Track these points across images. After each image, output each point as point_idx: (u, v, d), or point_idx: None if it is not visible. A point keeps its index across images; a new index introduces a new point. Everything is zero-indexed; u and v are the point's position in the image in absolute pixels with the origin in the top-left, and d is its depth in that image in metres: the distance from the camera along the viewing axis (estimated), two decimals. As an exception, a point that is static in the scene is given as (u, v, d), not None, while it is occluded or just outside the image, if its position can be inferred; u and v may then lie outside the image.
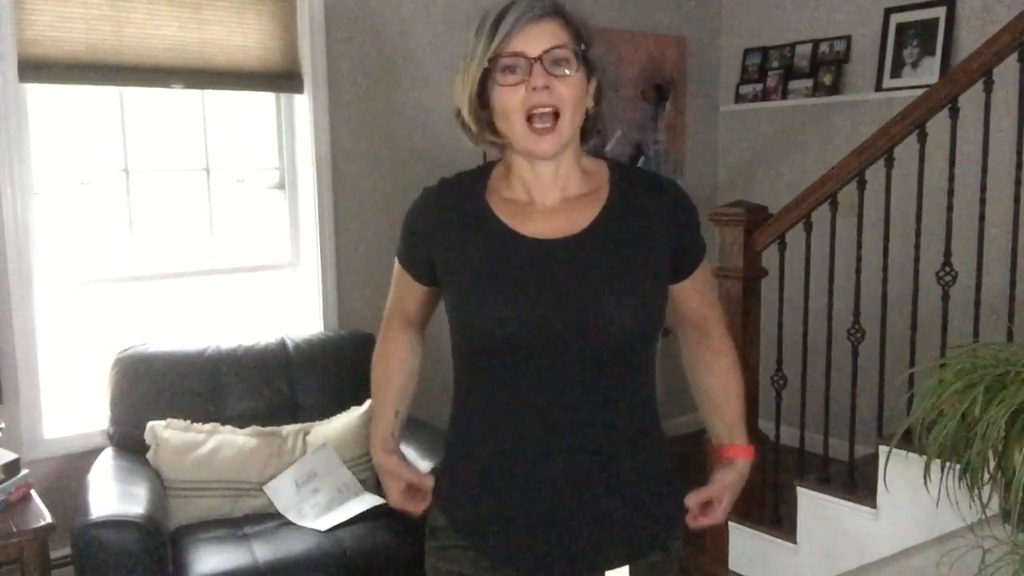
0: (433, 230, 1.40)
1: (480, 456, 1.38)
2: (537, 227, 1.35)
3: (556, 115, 1.29)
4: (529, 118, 1.29)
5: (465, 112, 1.35)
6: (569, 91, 1.29)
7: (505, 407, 1.34)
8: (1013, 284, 2.54)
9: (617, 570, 1.36)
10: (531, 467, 1.33)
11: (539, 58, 1.27)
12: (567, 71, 1.28)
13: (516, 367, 1.32)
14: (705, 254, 1.47)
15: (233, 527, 2.57)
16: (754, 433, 3.14)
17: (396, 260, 1.51)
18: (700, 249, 1.45)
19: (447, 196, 1.42)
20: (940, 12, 3.71)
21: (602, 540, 1.35)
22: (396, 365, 1.53)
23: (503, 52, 1.27)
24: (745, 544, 3.11)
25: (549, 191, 1.37)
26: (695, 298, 1.47)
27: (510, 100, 1.29)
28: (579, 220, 1.35)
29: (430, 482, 1.46)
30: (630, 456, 1.36)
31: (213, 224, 3.29)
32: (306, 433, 2.85)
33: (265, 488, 2.71)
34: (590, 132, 1.40)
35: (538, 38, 1.27)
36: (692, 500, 1.45)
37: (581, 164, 1.40)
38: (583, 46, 1.31)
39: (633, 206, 1.37)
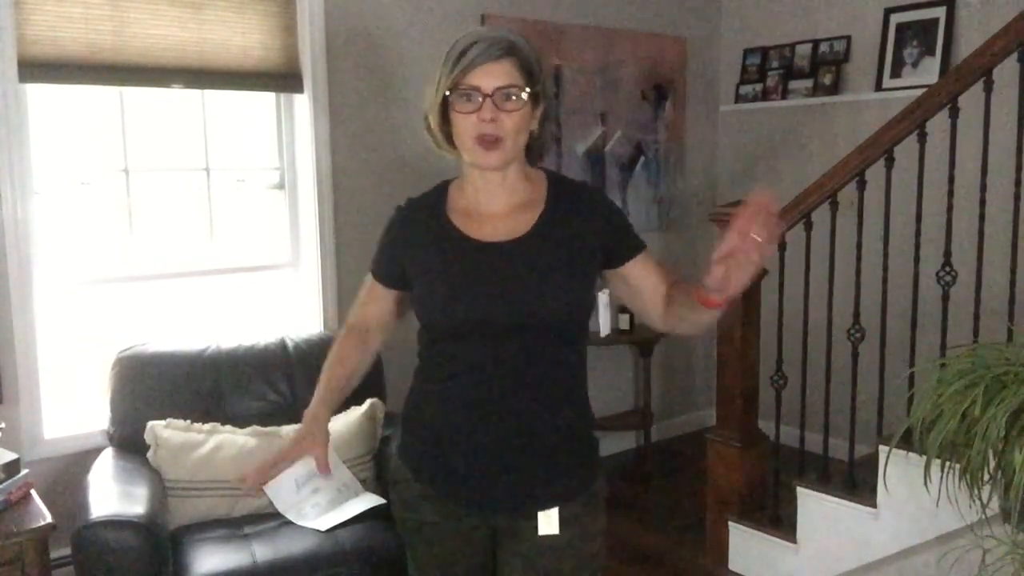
0: (404, 242, 1.68)
1: (434, 417, 1.65)
2: (486, 231, 1.62)
3: (501, 140, 1.52)
4: (478, 139, 1.53)
5: (432, 124, 1.60)
6: (513, 122, 1.52)
7: (457, 379, 1.61)
8: (1013, 284, 2.54)
9: (548, 512, 1.60)
10: (474, 427, 1.59)
11: (491, 94, 1.50)
12: (513, 106, 1.52)
13: (467, 348, 1.59)
14: (644, 249, 1.66)
15: (233, 527, 2.57)
16: (754, 432, 3.15)
17: (369, 274, 1.77)
18: (635, 241, 1.66)
19: (413, 212, 1.71)
20: (940, 12, 3.71)
21: (529, 490, 1.61)
22: (351, 356, 1.80)
23: (462, 83, 1.51)
24: (745, 544, 3.11)
25: (496, 198, 1.62)
26: (657, 272, 1.65)
27: (463, 125, 1.54)
28: (520, 225, 1.61)
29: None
30: (556, 421, 1.61)
31: (213, 224, 3.29)
32: (306, 433, 2.85)
33: (265, 488, 2.70)
34: (533, 151, 1.64)
35: (493, 76, 1.50)
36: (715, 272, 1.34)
37: (526, 173, 1.65)
38: (533, 82, 1.54)
39: (566, 213, 1.63)
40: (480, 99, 1.51)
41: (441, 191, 1.71)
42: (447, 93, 1.53)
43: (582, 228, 1.62)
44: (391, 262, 1.71)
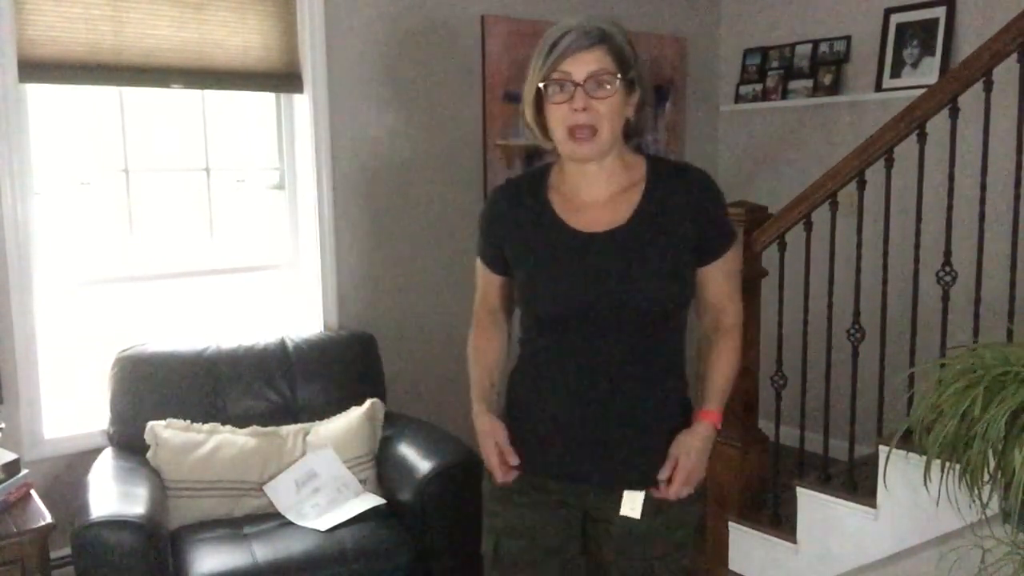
0: (504, 225, 1.70)
1: (531, 404, 1.69)
2: (585, 220, 1.63)
3: (595, 129, 1.53)
4: (571, 131, 1.54)
5: (527, 117, 1.62)
6: (606, 109, 1.53)
7: (557, 365, 1.64)
8: (1013, 284, 2.54)
9: (634, 493, 1.64)
10: (572, 412, 1.63)
11: (583, 83, 1.51)
12: (606, 93, 1.53)
13: (568, 334, 1.62)
14: (732, 242, 1.68)
15: (233, 527, 2.57)
16: (754, 432, 3.15)
17: (477, 259, 1.80)
18: (724, 235, 1.67)
19: (513, 194, 1.72)
20: (940, 12, 3.71)
21: (620, 467, 1.64)
22: (486, 348, 1.80)
23: (554, 72, 1.53)
24: (745, 544, 3.11)
25: (595, 187, 1.63)
26: (715, 285, 1.69)
27: (555, 115, 1.56)
28: (619, 215, 1.62)
29: (514, 460, 1.68)
30: (654, 407, 1.64)
31: (213, 224, 3.29)
32: (306, 433, 2.85)
33: (265, 488, 2.71)
34: (632, 135, 1.65)
35: (585, 63, 1.52)
36: (662, 474, 1.64)
37: (624, 159, 1.65)
38: (626, 69, 1.55)
39: (664, 198, 1.62)
40: (572, 88, 1.52)
41: (542, 173, 1.71)
42: (540, 84, 1.55)
43: (680, 213, 1.61)
44: (493, 246, 1.73)
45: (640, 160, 1.67)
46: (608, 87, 1.52)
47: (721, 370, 1.72)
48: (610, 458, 1.64)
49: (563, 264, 1.62)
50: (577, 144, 1.55)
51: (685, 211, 1.61)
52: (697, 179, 1.66)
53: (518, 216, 1.69)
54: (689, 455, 1.63)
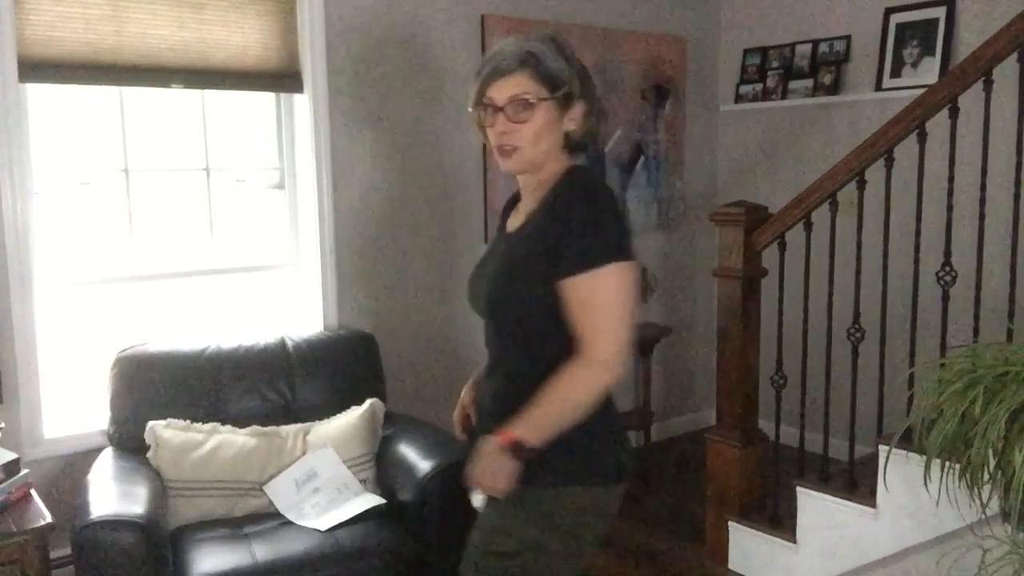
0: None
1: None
2: (511, 224, 1.77)
3: (517, 149, 1.63)
4: (498, 148, 1.66)
5: (478, 132, 1.73)
6: (529, 130, 1.61)
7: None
8: (1013, 284, 2.54)
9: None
10: (479, 396, 1.83)
11: (503, 108, 1.61)
12: (528, 116, 1.60)
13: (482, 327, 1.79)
14: (584, 269, 1.54)
15: (233, 527, 2.57)
16: (754, 432, 3.15)
17: None
18: (569, 257, 1.55)
19: (508, 203, 1.86)
20: (940, 12, 3.71)
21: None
22: None
23: (482, 98, 1.65)
24: (745, 544, 3.11)
25: (531, 195, 1.73)
26: (568, 308, 1.58)
27: (488, 136, 1.68)
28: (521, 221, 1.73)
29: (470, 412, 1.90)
30: (512, 407, 1.63)
31: (213, 224, 3.29)
32: (306, 433, 2.85)
33: (265, 488, 2.71)
34: (579, 146, 1.70)
35: (506, 89, 1.61)
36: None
37: (563, 171, 1.68)
38: (556, 88, 1.61)
39: (542, 211, 1.65)
40: (495, 112, 1.62)
41: None
42: (470, 109, 1.68)
43: (541, 227, 1.62)
44: None
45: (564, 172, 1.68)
46: (530, 109, 1.60)
47: (544, 396, 1.58)
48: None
49: (478, 263, 1.82)
50: (502, 160, 1.66)
51: (547, 223, 1.61)
52: (564, 193, 1.62)
53: (502, 218, 1.86)
54: (474, 460, 1.63)
